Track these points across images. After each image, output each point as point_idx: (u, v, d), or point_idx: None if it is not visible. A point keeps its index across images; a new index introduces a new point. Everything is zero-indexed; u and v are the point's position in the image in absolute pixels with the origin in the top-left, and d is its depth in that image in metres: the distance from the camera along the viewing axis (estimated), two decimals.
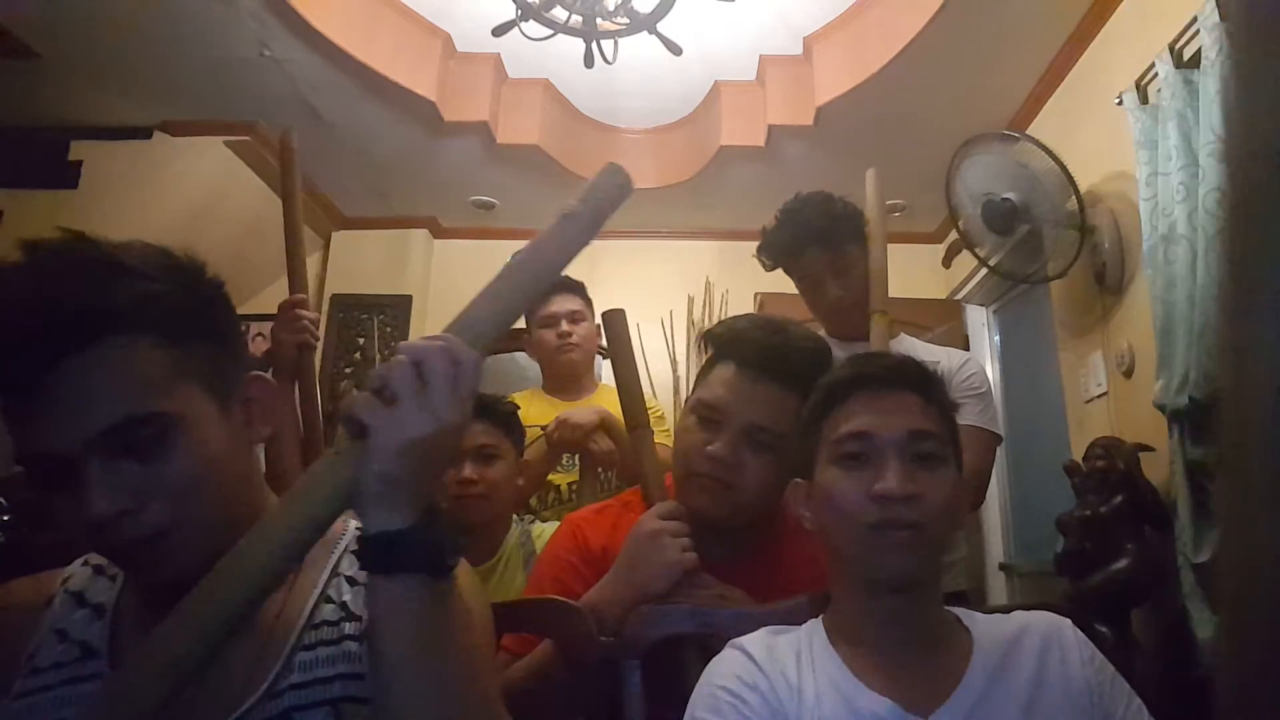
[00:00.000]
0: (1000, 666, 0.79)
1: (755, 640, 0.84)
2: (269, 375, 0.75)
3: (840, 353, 1.67)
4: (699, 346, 1.15)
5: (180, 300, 0.66)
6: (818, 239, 1.63)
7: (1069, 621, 0.84)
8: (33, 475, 0.64)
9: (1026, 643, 0.81)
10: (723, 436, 1.06)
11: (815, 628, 0.86)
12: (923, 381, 0.88)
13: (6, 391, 0.62)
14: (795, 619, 0.89)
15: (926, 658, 0.81)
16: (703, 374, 1.15)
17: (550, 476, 1.91)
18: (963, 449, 1.59)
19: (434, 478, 0.61)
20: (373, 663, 0.61)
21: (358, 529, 0.80)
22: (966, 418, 1.59)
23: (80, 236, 0.66)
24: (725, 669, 0.81)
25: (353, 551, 0.77)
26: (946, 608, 0.87)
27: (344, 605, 0.72)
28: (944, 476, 0.83)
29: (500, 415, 1.59)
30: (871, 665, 0.80)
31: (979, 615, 0.86)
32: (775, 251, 1.70)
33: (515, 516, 1.67)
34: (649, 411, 1.27)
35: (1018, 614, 0.86)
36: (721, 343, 1.13)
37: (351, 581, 0.74)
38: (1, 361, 0.60)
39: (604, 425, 1.76)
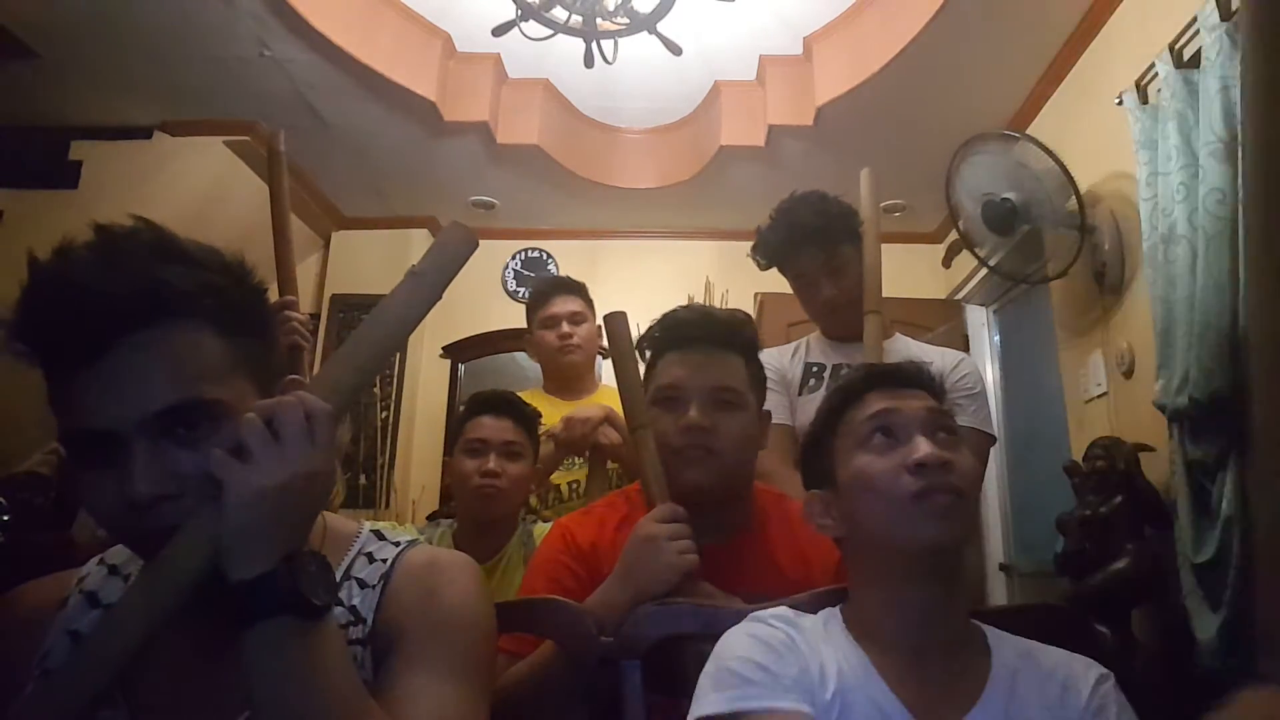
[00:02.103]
0: (1017, 706, 0.78)
1: (778, 613, 0.85)
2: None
3: (835, 354, 1.69)
4: (639, 354, 1.23)
5: (235, 295, 0.68)
6: (812, 238, 1.63)
7: (1103, 670, 0.82)
8: (75, 453, 0.64)
9: (1050, 685, 0.79)
10: (691, 407, 1.11)
11: (833, 614, 0.87)
12: (927, 381, 0.93)
13: (66, 365, 0.62)
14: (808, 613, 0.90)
15: (942, 667, 0.80)
16: (649, 373, 1.20)
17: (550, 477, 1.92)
18: None
19: (295, 525, 0.62)
20: (252, 707, 0.61)
21: (372, 531, 0.80)
22: (960, 419, 1.59)
23: (150, 224, 0.66)
24: (754, 628, 0.82)
25: (364, 554, 0.77)
26: (974, 621, 0.87)
27: (353, 609, 0.72)
28: (966, 454, 0.87)
29: (526, 417, 1.64)
30: (887, 661, 0.80)
31: (1009, 638, 0.85)
32: (770, 251, 1.70)
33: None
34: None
35: (1057, 651, 0.84)
36: (658, 338, 1.19)
37: (362, 584, 0.74)
38: (67, 334, 0.61)
39: (609, 419, 1.76)
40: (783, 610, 0.86)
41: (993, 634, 0.86)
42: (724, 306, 3.93)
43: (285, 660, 0.58)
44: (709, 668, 0.80)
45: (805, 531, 1.15)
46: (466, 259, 0.74)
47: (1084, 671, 0.81)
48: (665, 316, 1.21)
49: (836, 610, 0.87)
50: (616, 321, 1.14)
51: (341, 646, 0.64)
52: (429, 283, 0.71)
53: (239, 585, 0.58)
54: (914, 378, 0.92)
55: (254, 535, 0.59)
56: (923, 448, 0.82)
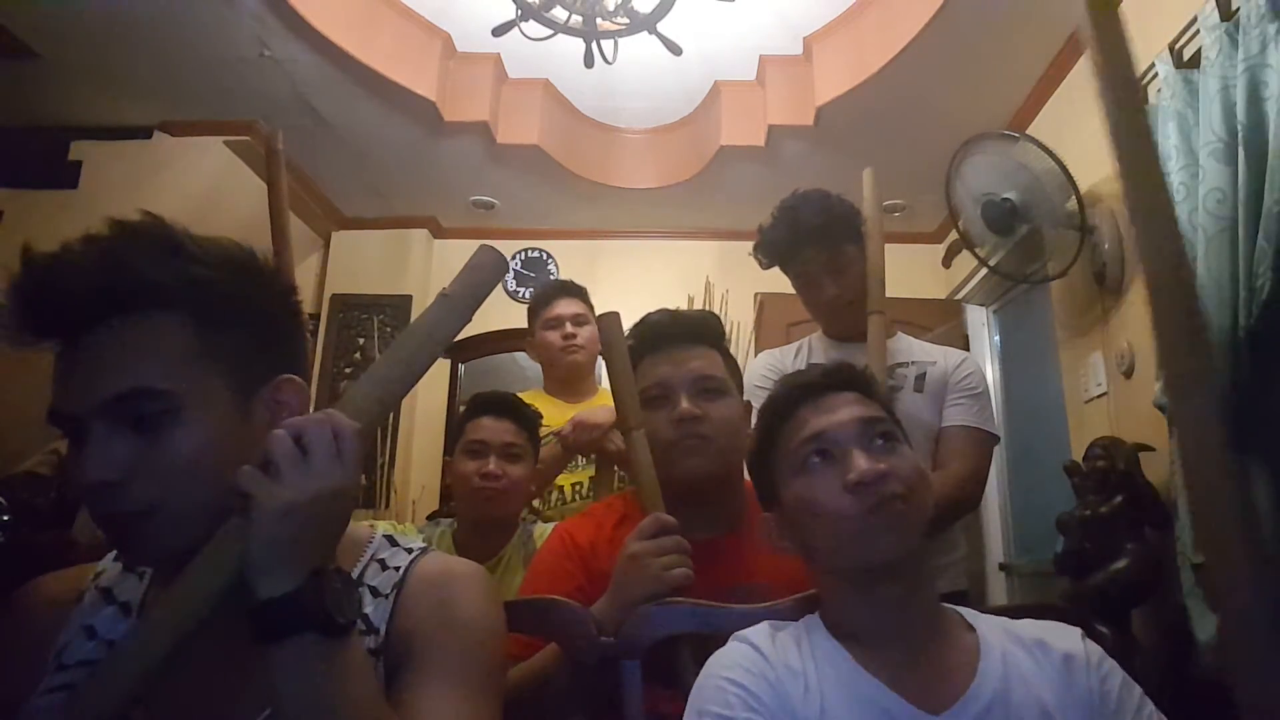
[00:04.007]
0: (1015, 673, 0.78)
1: (758, 632, 0.84)
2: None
3: (837, 354, 1.69)
4: None
5: (227, 290, 0.69)
6: (814, 237, 1.62)
7: (1080, 631, 0.84)
8: (60, 431, 0.66)
9: (1043, 655, 0.80)
10: (680, 399, 1.15)
11: (813, 622, 0.86)
12: (859, 381, 0.92)
13: (60, 346, 0.66)
14: (791, 619, 0.90)
15: (929, 653, 0.81)
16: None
17: None
18: (958, 449, 1.59)
19: (320, 542, 0.62)
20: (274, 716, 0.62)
21: (384, 536, 0.80)
22: (962, 418, 1.59)
23: (154, 218, 0.69)
24: (730, 660, 0.81)
25: (377, 560, 0.77)
26: (947, 605, 0.87)
27: (365, 618, 0.71)
28: (906, 454, 0.86)
29: (527, 419, 1.64)
30: (874, 658, 0.80)
31: (984, 616, 0.86)
32: (772, 250, 1.70)
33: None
34: None
35: (1029, 622, 0.85)
36: (634, 345, 1.23)
37: (374, 592, 0.73)
38: (46, 317, 0.64)
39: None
40: (762, 628, 0.85)
41: (968, 612, 0.86)
42: (724, 306, 3.95)
43: (310, 677, 0.59)
44: (689, 713, 0.80)
45: None
46: (497, 282, 0.75)
47: (1068, 636, 0.83)
48: (637, 325, 1.26)
49: (816, 616, 0.87)
50: (610, 323, 1.15)
51: (365, 662, 0.64)
52: (459, 305, 0.72)
53: (265, 602, 0.58)
54: (841, 380, 0.91)
55: (280, 551, 0.59)
56: (858, 464, 0.82)
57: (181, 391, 0.65)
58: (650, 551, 1.01)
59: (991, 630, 0.83)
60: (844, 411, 0.87)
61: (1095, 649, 0.82)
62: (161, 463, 0.64)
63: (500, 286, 4.22)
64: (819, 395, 0.89)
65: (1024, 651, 0.81)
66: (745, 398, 1.25)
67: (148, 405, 0.64)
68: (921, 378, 1.63)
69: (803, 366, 1.67)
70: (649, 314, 1.26)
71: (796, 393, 0.91)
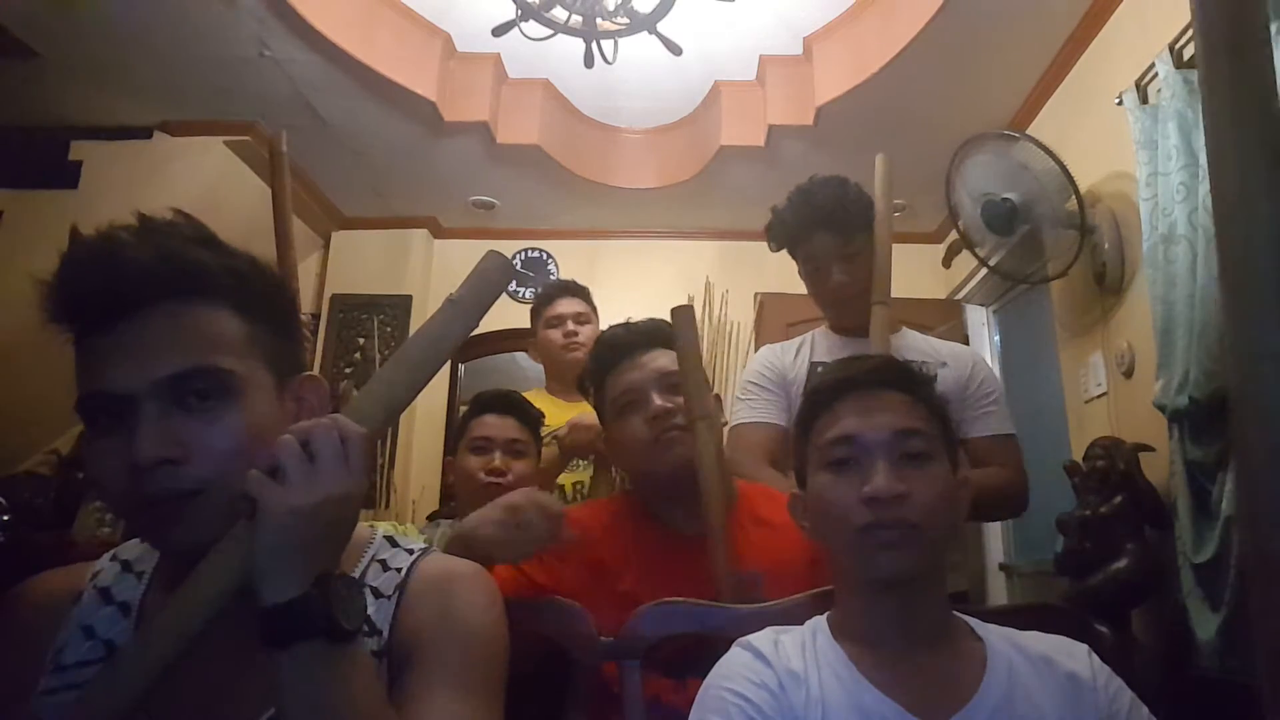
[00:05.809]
0: (1019, 686, 0.78)
1: (761, 638, 0.84)
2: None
3: (842, 349, 1.68)
4: (581, 389, 1.37)
5: (260, 286, 0.71)
6: (826, 222, 1.60)
7: (1087, 649, 0.83)
8: (88, 419, 0.66)
9: (1048, 671, 0.80)
10: (652, 398, 1.19)
11: (819, 624, 0.86)
12: (908, 380, 0.88)
13: (91, 330, 0.65)
14: (796, 618, 0.90)
15: (934, 661, 0.80)
16: (599, 398, 1.29)
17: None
18: (1001, 458, 1.59)
19: (326, 547, 0.62)
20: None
21: (385, 537, 0.80)
22: (997, 427, 1.59)
23: (188, 216, 0.71)
24: (732, 669, 0.81)
25: (378, 561, 0.77)
26: (955, 613, 0.86)
27: (368, 620, 0.71)
28: (935, 474, 0.83)
29: (530, 417, 1.67)
30: (877, 664, 0.80)
31: (993, 627, 0.85)
32: (783, 231, 1.67)
33: None
34: None
35: (1036, 635, 0.85)
36: (596, 365, 1.28)
37: (376, 593, 0.73)
38: (95, 298, 0.64)
39: None
40: (765, 634, 0.85)
41: (977, 623, 0.86)
42: (724, 306, 3.96)
43: (316, 683, 0.59)
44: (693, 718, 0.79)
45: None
46: (504, 288, 0.76)
47: (1075, 653, 0.82)
48: (596, 345, 1.33)
49: (824, 619, 0.87)
50: (683, 314, 1.20)
51: (370, 667, 0.64)
52: (466, 310, 0.72)
53: (271, 608, 0.58)
54: (888, 378, 0.87)
55: (287, 556, 0.59)
56: (877, 479, 0.80)
57: (237, 371, 0.66)
58: (524, 507, 1.03)
59: (998, 641, 0.83)
60: (880, 417, 0.84)
61: (1103, 668, 0.80)
62: (216, 442, 0.64)
63: None
64: (864, 391, 0.86)
65: (1029, 665, 0.80)
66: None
67: (206, 384, 0.65)
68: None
69: (805, 362, 1.68)
70: (603, 332, 1.31)
71: (840, 385, 0.88)
